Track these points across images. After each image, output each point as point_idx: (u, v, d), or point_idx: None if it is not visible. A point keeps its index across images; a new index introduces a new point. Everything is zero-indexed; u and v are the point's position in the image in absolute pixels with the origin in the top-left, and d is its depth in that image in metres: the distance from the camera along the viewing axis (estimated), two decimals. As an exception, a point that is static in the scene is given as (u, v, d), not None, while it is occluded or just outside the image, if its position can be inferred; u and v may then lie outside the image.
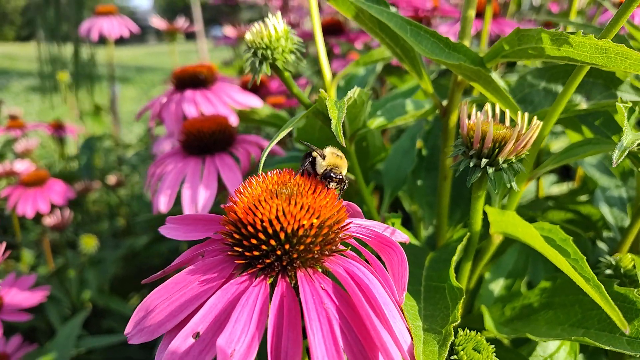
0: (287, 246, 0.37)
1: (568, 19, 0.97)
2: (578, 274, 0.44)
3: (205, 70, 0.93)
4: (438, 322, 0.45)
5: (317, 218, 0.38)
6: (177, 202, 0.75)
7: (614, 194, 0.87)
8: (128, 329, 0.40)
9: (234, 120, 0.86)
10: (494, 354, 0.46)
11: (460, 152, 0.50)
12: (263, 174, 0.43)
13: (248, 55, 0.59)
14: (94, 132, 2.01)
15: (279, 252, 0.37)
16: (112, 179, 1.77)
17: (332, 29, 1.48)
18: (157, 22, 1.87)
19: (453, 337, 0.43)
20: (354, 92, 0.51)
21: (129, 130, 3.88)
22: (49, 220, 1.42)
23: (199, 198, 0.68)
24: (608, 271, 0.61)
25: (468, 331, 0.47)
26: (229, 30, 2.01)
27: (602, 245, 0.86)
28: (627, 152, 0.41)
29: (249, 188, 0.40)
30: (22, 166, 1.61)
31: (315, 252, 0.38)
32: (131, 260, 1.83)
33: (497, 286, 0.82)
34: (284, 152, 0.84)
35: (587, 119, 0.73)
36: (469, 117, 0.51)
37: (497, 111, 0.53)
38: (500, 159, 0.48)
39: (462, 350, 0.44)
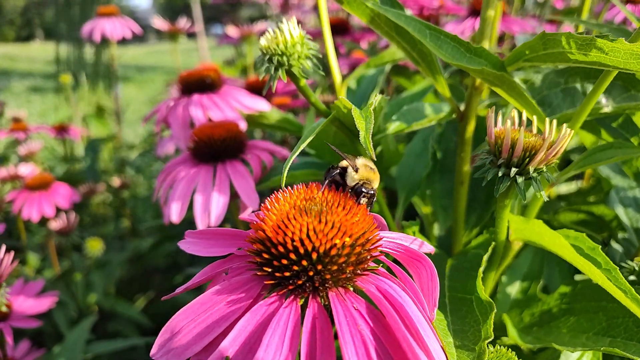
0: (319, 267, 0.36)
1: (575, 17, 0.95)
2: (614, 285, 0.43)
3: (212, 73, 0.91)
4: (469, 338, 0.44)
5: (350, 237, 0.36)
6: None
7: (629, 195, 0.86)
8: (154, 351, 0.39)
9: (242, 125, 0.84)
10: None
11: (488, 161, 0.49)
12: (289, 188, 0.41)
13: (263, 62, 0.57)
14: (98, 133, 1.99)
15: (310, 273, 0.36)
16: (116, 181, 1.76)
17: (337, 28, 1.46)
18: (159, 23, 1.85)
19: (488, 352, 0.42)
20: (376, 100, 0.50)
21: (132, 130, 3.85)
22: (54, 225, 1.40)
23: (211, 207, 0.66)
24: (631, 277, 0.60)
25: (499, 347, 0.46)
26: (231, 30, 1.99)
27: (616, 246, 0.85)
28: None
29: (276, 204, 0.39)
30: (27, 169, 1.59)
31: (348, 272, 0.37)
32: (136, 262, 1.82)
33: (514, 289, 0.82)
34: (296, 157, 0.83)
35: (605, 120, 0.72)
36: (495, 124, 0.50)
37: (524, 118, 0.52)
38: (531, 168, 0.46)
39: (495, 366, 0.43)
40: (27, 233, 1.82)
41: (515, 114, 0.50)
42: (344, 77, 0.81)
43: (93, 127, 2.13)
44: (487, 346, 0.43)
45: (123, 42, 1.85)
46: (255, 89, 1.24)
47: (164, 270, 1.95)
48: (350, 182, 0.43)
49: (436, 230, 0.89)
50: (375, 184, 0.43)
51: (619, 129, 0.73)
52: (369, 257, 0.38)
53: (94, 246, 1.42)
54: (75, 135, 1.92)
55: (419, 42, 0.60)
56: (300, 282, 0.36)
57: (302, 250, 0.36)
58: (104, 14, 1.74)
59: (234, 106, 0.87)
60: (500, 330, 0.67)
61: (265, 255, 0.37)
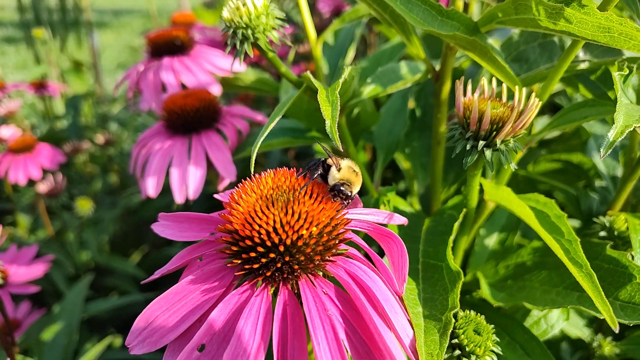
0: (287, 258, 0.37)
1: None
2: (570, 258, 0.45)
3: (182, 34, 0.88)
4: (437, 307, 0.46)
5: (317, 226, 0.37)
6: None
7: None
8: (129, 340, 0.40)
9: (216, 90, 0.83)
10: (493, 328, 0.48)
11: (457, 132, 0.49)
12: (257, 177, 0.41)
13: (227, 35, 0.55)
14: (77, 89, 1.94)
15: (279, 265, 0.37)
16: (100, 138, 1.73)
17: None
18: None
19: (454, 322, 0.44)
20: (345, 74, 0.49)
21: (112, 80, 3.75)
22: (42, 187, 1.41)
23: (189, 181, 0.66)
24: (602, 233, 0.62)
25: (468, 312, 0.48)
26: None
27: (594, 194, 0.87)
28: (618, 139, 0.40)
29: (243, 196, 0.39)
30: (8, 132, 1.57)
31: (316, 261, 0.38)
32: (128, 217, 1.84)
33: (491, 241, 0.84)
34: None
35: (583, 73, 0.71)
36: (464, 94, 0.49)
37: (494, 85, 0.51)
38: (498, 141, 0.46)
39: (463, 333, 0.45)
40: (15, 194, 1.82)
41: (484, 82, 0.50)
42: (328, 19, 0.79)
43: (72, 82, 2.07)
44: (454, 315, 0.45)
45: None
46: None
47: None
48: (331, 180, 0.42)
49: (415, 187, 0.90)
50: (356, 187, 0.43)
51: (597, 82, 0.72)
52: (337, 243, 0.39)
53: (84, 205, 1.43)
54: (54, 91, 1.87)
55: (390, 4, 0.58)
56: (269, 273, 0.37)
57: (269, 243, 0.37)
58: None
59: (208, 69, 0.85)
60: (475, 284, 0.70)
61: (234, 248, 0.38)
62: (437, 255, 0.54)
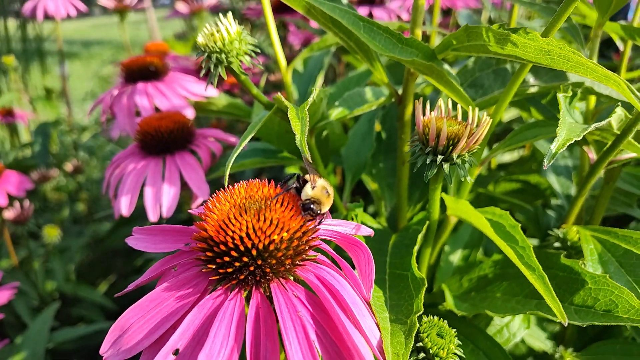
0: (259, 262, 0.39)
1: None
2: (524, 263, 0.48)
3: (156, 60, 0.90)
4: (403, 312, 0.49)
5: (287, 231, 0.40)
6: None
7: (561, 164, 0.93)
8: (104, 349, 0.41)
9: (190, 113, 0.85)
10: (455, 332, 0.50)
11: (418, 148, 0.53)
12: (231, 188, 0.44)
13: (202, 59, 0.58)
14: (46, 116, 1.93)
15: (252, 268, 0.39)
16: (69, 166, 1.72)
17: (286, 6, 1.45)
18: (105, 0, 1.79)
19: (418, 326, 0.46)
20: (314, 95, 0.52)
21: (81, 110, 3.72)
22: (8, 214, 1.38)
23: (163, 200, 0.68)
24: (557, 244, 0.66)
25: (432, 317, 0.50)
26: (180, 6, 1.93)
27: (551, 212, 0.92)
28: (559, 153, 0.44)
29: (217, 204, 0.41)
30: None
31: (287, 264, 0.40)
32: (96, 246, 1.81)
33: (456, 257, 0.87)
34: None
35: (535, 98, 0.77)
36: (424, 113, 0.53)
37: (450, 105, 0.55)
38: (454, 155, 0.50)
39: (427, 337, 0.48)
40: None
41: (442, 102, 0.54)
42: (298, 51, 0.83)
43: (42, 109, 2.06)
44: (419, 319, 0.48)
45: (66, 16, 1.78)
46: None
47: (125, 253, 1.95)
48: (304, 195, 0.45)
49: (383, 208, 0.93)
50: (325, 207, 0.45)
51: (548, 105, 0.78)
52: (307, 249, 0.42)
53: (51, 233, 1.40)
54: (22, 118, 1.86)
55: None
56: (242, 276, 0.39)
57: (242, 248, 0.39)
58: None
59: (181, 94, 0.87)
60: (440, 297, 0.73)
61: (209, 254, 0.40)
62: (403, 265, 0.57)
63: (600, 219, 0.80)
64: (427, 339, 0.48)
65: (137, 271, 1.84)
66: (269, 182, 0.47)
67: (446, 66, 0.61)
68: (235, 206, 0.41)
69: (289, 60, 0.97)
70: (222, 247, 0.39)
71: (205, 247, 0.40)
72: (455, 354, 0.49)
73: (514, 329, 0.68)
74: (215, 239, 0.39)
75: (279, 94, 0.56)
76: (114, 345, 0.40)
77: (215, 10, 2.32)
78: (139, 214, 1.83)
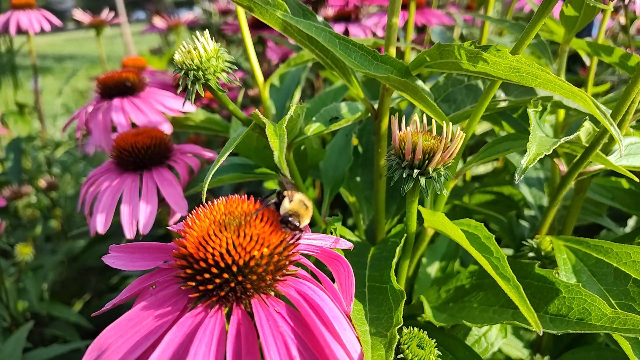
0: (240, 278, 0.39)
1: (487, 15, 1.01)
2: (498, 273, 0.49)
3: (133, 75, 0.90)
4: (383, 325, 0.49)
5: (268, 247, 0.40)
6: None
7: (533, 175, 0.96)
8: (82, 369, 0.40)
9: (167, 129, 0.85)
10: (435, 343, 0.51)
11: (394, 163, 0.54)
12: (210, 204, 0.44)
13: (179, 76, 0.58)
14: (19, 132, 1.89)
15: (232, 285, 0.39)
16: (43, 183, 1.68)
17: (263, 23, 1.46)
18: (80, 15, 1.77)
19: (398, 338, 0.47)
20: (291, 111, 0.53)
21: (53, 125, 3.66)
22: (-22, 232, 1.34)
23: (139, 216, 0.67)
24: (531, 254, 0.68)
25: (412, 329, 0.51)
26: (157, 21, 1.93)
27: (524, 223, 0.95)
28: (530, 166, 0.46)
29: (197, 221, 0.41)
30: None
31: (268, 280, 0.40)
32: (70, 264, 1.77)
33: (433, 269, 0.89)
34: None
35: (506, 112, 0.80)
36: (400, 128, 0.54)
37: (425, 120, 0.57)
38: (430, 169, 0.51)
39: (408, 348, 0.48)
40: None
41: (417, 118, 0.55)
42: (276, 66, 0.83)
43: (14, 125, 2.01)
44: (399, 331, 0.48)
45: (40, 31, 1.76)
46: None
47: (99, 271, 1.91)
48: (282, 210, 0.45)
49: (360, 221, 0.94)
50: (304, 220, 0.45)
51: (519, 119, 0.80)
52: (287, 264, 0.42)
53: (24, 251, 1.37)
54: (-9, 135, 1.82)
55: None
56: (223, 293, 0.39)
57: (222, 264, 0.39)
58: (19, 6, 1.64)
59: (158, 109, 0.87)
60: (419, 308, 0.74)
61: (189, 271, 0.40)
62: (382, 278, 0.57)
63: (572, 229, 0.82)
64: (407, 351, 0.48)
65: (112, 289, 1.81)
66: (248, 198, 0.47)
67: (420, 82, 0.62)
68: (215, 222, 0.41)
69: (267, 75, 0.98)
70: (202, 264, 0.39)
71: (185, 265, 0.40)
72: (435, 365, 0.49)
73: (492, 338, 0.69)
74: (195, 255, 0.39)
75: (256, 110, 0.56)
76: (92, 366, 0.40)
77: (192, 26, 2.32)
78: (114, 231, 1.79)
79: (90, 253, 1.79)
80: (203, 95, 0.56)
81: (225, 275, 0.39)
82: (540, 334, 0.43)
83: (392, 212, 0.83)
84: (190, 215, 0.43)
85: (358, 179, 0.85)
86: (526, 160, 0.46)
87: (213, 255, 0.39)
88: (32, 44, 1.85)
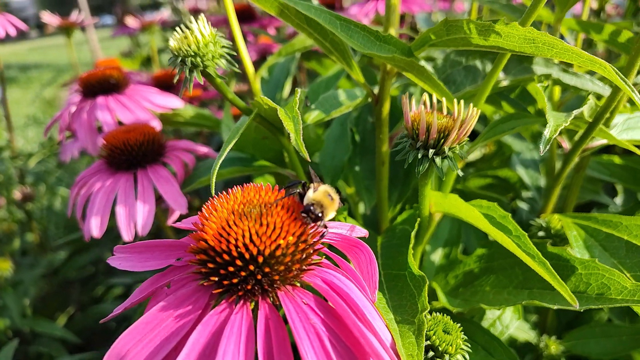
0: (266, 269, 0.36)
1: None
2: (524, 250, 0.48)
3: (116, 72, 0.86)
4: (408, 312, 0.47)
5: (293, 235, 0.37)
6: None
7: (527, 157, 0.95)
8: (100, 380, 0.37)
9: (156, 125, 0.81)
10: (460, 328, 0.49)
11: (407, 144, 0.52)
12: (225, 194, 0.41)
13: (175, 63, 0.55)
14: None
15: (259, 277, 0.36)
16: (18, 194, 1.61)
17: (243, 15, 1.43)
18: (49, 18, 1.70)
19: (427, 324, 0.45)
20: (298, 95, 0.50)
21: (22, 136, 3.54)
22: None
23: (137, 216, 0.63)
24: (541, 233, 0.67)
25: (435, 314, 0.49)
26: (130, 20, 1.87)
27: (522, 204, 0.94)
28: (553, 138, 0.45)
29: (214, 212, 0.39)
30: None
31: (295, 269, 0.38)
32: (51, 277, 1.70)
33: (437, 256, 0.87)
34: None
35: (504, 93, 0.79)
36: (410, 109, 0.53)
37: (434, 100, 0.55)
38: (446, 148, 0.50)
39: (434, 334, 0.47)
40: None
41: (426, 97, 0.54)
42: (254, 62, 0.81)
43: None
44: (425, 318, 0.46)
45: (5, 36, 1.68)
46: (164, 84, 1.19)
47: (82, 283, 1.85)
48: (305, 199, 0.42)
49: (361, 209, 0.92)
50: (329, 212, 0.42)
51: (517, 99, 0.80)
52: (313, 252, 0.40)
53: (3, 266, 1.31)
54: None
55: (331, 32, 0.61)
56: (249, 286, 0.36)
57: (247, 256, 0.36)
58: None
59: (145, 106, 0.83)
60: (431, 295, 0.72)
61: (211, 265, 0.37)
62: (398, 265, 0.56)
63: (572, 207, 0.82)
64: (434, 337, 0.47)
65: (97, 301, 1.75)
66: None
67: (423, 62, 0.61)
68: (233, 212, 0.39)
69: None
70: (226, 257, 0.36)
71: (206, 259, 0.37)
72: (462, 348, 0.48)
73: (506, 321, 0.68)
74: (217, 248, 0.36)
75: (261, 96, 0.54)
76: (109, 375, 0.37)
77: (165, 26, 2.26)
78: (95, 241, 1.74)
79: (71, 265, 1.72)
80: (202, 82, 0.53)
81: (251, 267, 0.36)
82: (577, 306, 0.42)
83: (393, 200, 0.81)
84: (205, 206, 0.40)
85: (357, 168, 0.83)
86: (549, 131, 0.45)
87: (237, 246, 0.36)
88: (-2, 50, 1.77)
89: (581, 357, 0.82)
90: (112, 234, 1.66)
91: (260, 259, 0.36)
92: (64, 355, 1.39)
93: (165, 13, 2.38)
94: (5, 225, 1.70)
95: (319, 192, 0.42)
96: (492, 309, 0.64)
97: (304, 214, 0.40)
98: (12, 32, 1.68)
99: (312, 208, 0.41)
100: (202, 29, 0.54)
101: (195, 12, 2.55)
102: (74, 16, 1.80)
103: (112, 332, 1.61)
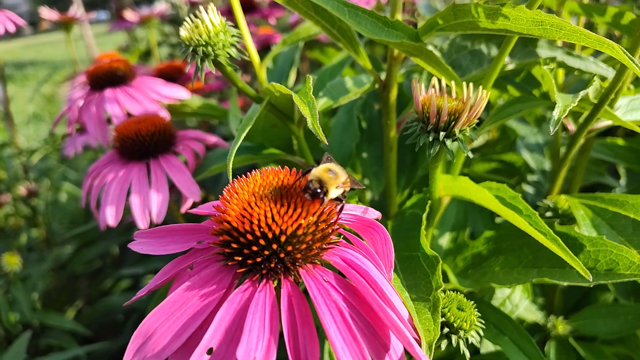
0: (289, 248, 0.37)
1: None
2: (535, 228, 0.49)
3: (123, 65, 0.87)
4: (422, 290, 0.48)
5: (313, 214, 0.38)
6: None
7: (532, 141, 0.97)
8: (127, 358, 0.39)
9: (165, 116, 0.82)
10: (474, 305, 0.51)
11: (418, 128, 0.53)
12: (244, 178, 0.42)
13: (186, 53, 0.56)
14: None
15: (282, 255, 0.37)
16: (23, 190, 1.62)
17: (244, 6, 1.43)
18: (48, 13, 1.70)
19: (442, 300, 0.46)
20: (310, 81, 0.51)
21: (23, 134, 3.54)
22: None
23: (152, 205, 0.65)
24: (548, 213, 0.68)
25: (449, 292, 0.50)
26: (129, 14, 1.87)
27: (528, 188, 0.96)
28: (562, 118, 0.46)
29: (235, 194, 0.40)
30: None
31: (315, 248, 0.39)
32: (59, 271, 1.72)
33: (445, 240, 0.89)
34: (228, 143, 0.82)
35: (508, 77, 0.80)
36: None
37: (443, 84, 0.56)
38: (456, 130, 0.51)
39: (449, 311, 0.48)
40: None
41: (435, 81, 0.54)
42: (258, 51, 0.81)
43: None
44: (439, 295, 0.48)
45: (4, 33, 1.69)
46: (167, 76, 1.20)
47: (89, 276, 1.86)
48: (309, 176, 0.42)
49: (369, 195, 0.93)
50: (330, 186, 0.42)
51: (522, 83, 0.80)
52: (332, 231, 0.41)
53: (11, 261, 1.31)
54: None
55: (339, 19, 0.62)
56: (272, 265, 0.38)
57: (270, 235, 0.37)
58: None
59: (153, 97, 0.84)
60: (442, 277, 0.74)
61: (234, 245, 0.38)
62: (410, 247, 0.57)
63: (577, 189, 0.83)
64: (449, 313, 0.48)
65: (105, 294, 1.76)
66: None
67: (431, 47, 0.61)
68: (254, 194, 0.40)
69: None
70: (249, 237, 0.37)
71: (229, 240, 0.38)
72: (476, 325, 0.49)
73: (516, 300, 0.69)
74: (240, 229, 0.37)
75: (272, 83, 0.55)
76: (138, 353, 0.38)
77: (163, 19, 2.26)
78: (101, 235, 1.75)
79: (78, 259, 1.74)
80: (214, 71, 0.54)
81: (274, 246, 0.37)
82: (590, 278, 0.43)
83: (401, 185, 0.82)
84: (226, 189, 0.41)
85: (364, 155, 0.84)
86: (558, 111, 0.46)
87: (259, 226, 0.37)
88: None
89: (587, 336, 0.83)
90: (118, 228, 1.67)
91: (283, 238, 0.37)
92: (75, 346, 1.40)
93: (162, 6, 2.38)
94: (12, 221, 1.71)
95: (319, 169, 0.42)
96: (502, 288, 0.66)
97: (303, 191, 0.40)
98: (11, 29, 1.68)
99: (310, 184, 0.41)
100: (212, 19, 0.55)
101: (192, 4, 2.54)
102: (73, 11, 1.80)
103: (121, 325, 1.62)
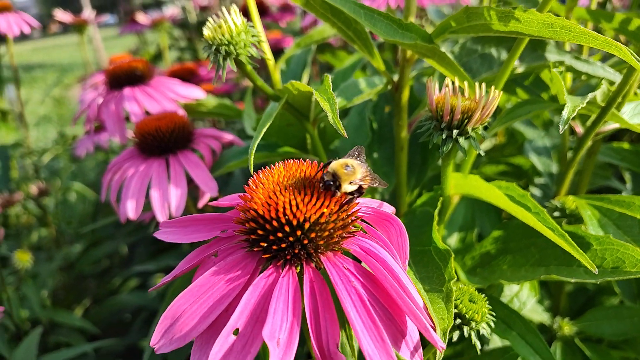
0: (312, 235, 0.39)
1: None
2: (544, 225, 0.51)
3: (142, 64, 0.89)
4: (435, 282, 0.50)
5: (335, 204, 0.40)
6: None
7: (539, 144, 0.98)
8: (154, 340, 0.40)
9: (183, 114, 0.84)
10: (485, 298, 0.52)
11: (432, 126, 0.55)
12: (267, 169, 0.44)
13: (209, 52, 0.58)
14: (3, 139, 1.84)
15: (305, 242, 0.39)
16: (34, 189, 1.64)
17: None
18: (62, 15, 1.73)
19: (455, 291, 0.48)
20: (328, 80, 0.53)
21: (30, 134, 3.57)
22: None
23: (171, 199, 0.67)
24: (556, 213, 0.70)
25: (461, 285, 0.52)
26: (141, 17, 1.90)
27: (535, 190, 0.97)
28: (570, 119, 0.48)
29: (260, 184, 0.42)
30: None
31: (337, 236, 0.41)
32: (68, 270, 1.74)
33: (453, 240, 0.90)
34: (243, 142, 0.84)
35: (518, 80, 0.82)
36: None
37: (456, 85, 0.58)
38: (469, 129, 0.53)
39: (461, 303, 0.50)
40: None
41: (449, 82, 0.56)
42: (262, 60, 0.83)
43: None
44: (452, 286, 0.49)
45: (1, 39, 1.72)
46: (180, 78, 1.22)
47: (98, 276, 1.88)
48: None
49: (378, 196, 0.95)
50: (344, 180, 0.43)
51: (531, 86, 0.82)
52: (352, 220, 0.43)
53: (23, 258, 1.34)
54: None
55: (354, 21, 0.64)
56: (296, 251, 0.39)
57: (295, 222, 0.39)
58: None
59: (171, 97, 0.86)
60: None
61: (260, 232, 0.40)
62: (421, 242, 0.59)
63: (584, 192, 0.85)
64: (461, 305, 0.50)
65: (113, 293, 1.78)
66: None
67: (444, 49, 0.63)
68: (278, 184, 0.42)
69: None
70: (275, 224, 0.39)
71: (255, 227, 0.40)
72: (488, 317, 0.51)
73: (524, 297, 0.71)
74: (266, 216, 0.39)
75: (291, 81, 0.57)
76: (165, 335, 0.40)
77: (174, 23, 2.30)
78: (109, 235, 1.77)
79: (87, 258, 1.76)
80: (235, 70, 0.56)
81: (298, 232, 0.39)
82: (596, 272, 0.45)
83: (411, 185, 0.84)
84: (252, 179, 0.43)
85: (375, 155, 0.86)
86: (567, 111, 0.48)
87: (285, 214, 0.39)
88: (12, 51, 1.81)
89: (593, 338, 0.85)
90: (126, 228, 1.69)
91: (307, 225, 0.39)
92: (84, 344, 1.42)
93: (174, 10, 2.41)
94: (24, 219, 1.74)
95: (336, 162, 0.44)
96: (510, 284, 0.67)
97: (319, 183, 0.42)
98: (27, 30, 1.72)
99: (323, 176, 0.42)
100: (235, 19, 0.57)
101: (204, 9, 2.58)
102: (86, 13, 1.83)
103: (128, 324, 1.64)
